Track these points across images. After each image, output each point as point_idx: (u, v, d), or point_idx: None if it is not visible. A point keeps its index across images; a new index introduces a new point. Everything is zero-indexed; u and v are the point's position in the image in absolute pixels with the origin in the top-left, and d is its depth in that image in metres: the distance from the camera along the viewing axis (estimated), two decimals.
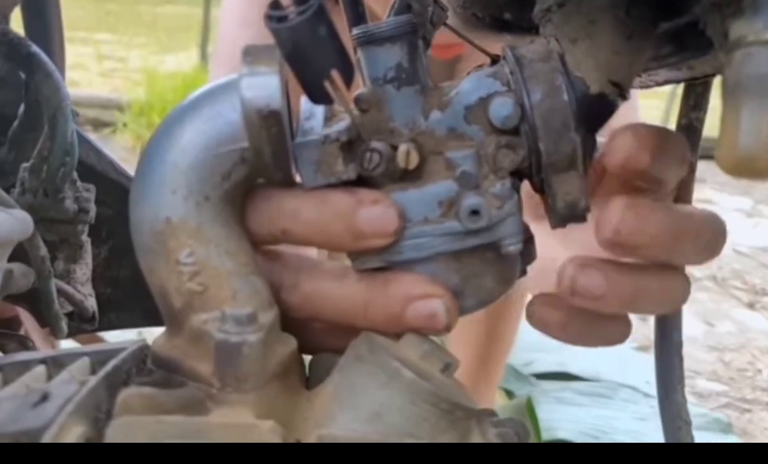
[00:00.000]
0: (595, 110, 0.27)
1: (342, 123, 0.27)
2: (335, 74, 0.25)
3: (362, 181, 0.27)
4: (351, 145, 0.27)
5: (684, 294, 0.29)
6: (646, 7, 0.28)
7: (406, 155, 0.27)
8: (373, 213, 0.26)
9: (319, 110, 0.28)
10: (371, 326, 0.27)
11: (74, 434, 0.22)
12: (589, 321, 0.29)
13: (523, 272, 0.30)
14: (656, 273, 0.28)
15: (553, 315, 0.28)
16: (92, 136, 0.51)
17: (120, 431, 0.22)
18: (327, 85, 0.25)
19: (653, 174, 0.28)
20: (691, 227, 0.28)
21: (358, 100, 0.27)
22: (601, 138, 0.29)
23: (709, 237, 0.28)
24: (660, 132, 0.28)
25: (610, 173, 0.27)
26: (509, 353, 1.11)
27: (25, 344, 0.43)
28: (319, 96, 0.26)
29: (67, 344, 0.59)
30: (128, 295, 0.53)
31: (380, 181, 0.27)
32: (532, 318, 0.29)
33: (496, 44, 0.34)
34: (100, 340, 0.80)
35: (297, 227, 0.27)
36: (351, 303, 0.28)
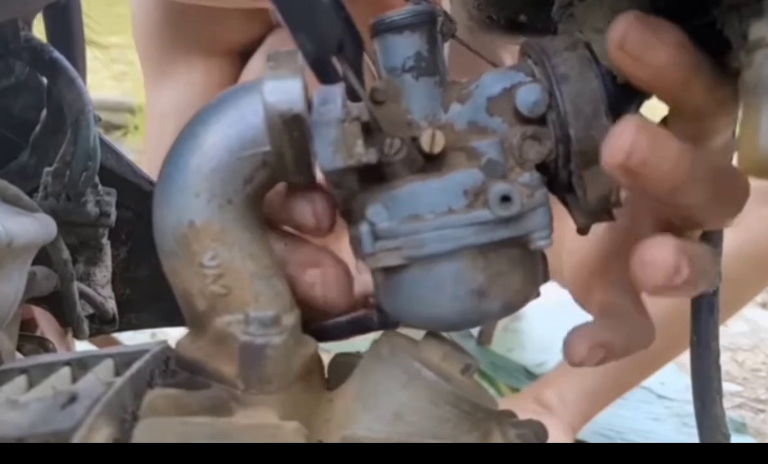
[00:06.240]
0: (622, 100, 0.27)
1: (363, 103, 0.26)
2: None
3: (380, 170, 0.26)
4: (371, 130, 0.26)
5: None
6: (666, 3, 0.28)
7: (431, 138, 0.26)
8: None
9: (337, 96, 0.26)
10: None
11: (102, 435, 0.22)
12: None
13: (546, 277, 0.29)
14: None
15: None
16: (106, 139, 0.51)
17: (147, 432, 0.22)
18: (335, 60, 0.24)
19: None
20: (706, 167, 0.25)
21: (373, 92, 0.27)
22: None
23: (727, 184, 0.26)
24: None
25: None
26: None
27: (44, 345, 0.44)
28: (326, 72, 0.25)
29: (81, 346, 0.59)
30: (146, 296, 0.54)
31: (399, 170, 0.26)
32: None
33: (511, 46, 0.34)
34: (115, 342, 0.80)
35: None
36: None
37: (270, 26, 0.81)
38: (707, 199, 0.26)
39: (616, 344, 0.29)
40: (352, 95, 0.27)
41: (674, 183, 0.25)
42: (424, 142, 0.26)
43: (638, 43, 0.24)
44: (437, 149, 0.26)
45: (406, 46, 0.27)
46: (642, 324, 0.31)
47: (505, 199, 0.25)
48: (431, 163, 0.26)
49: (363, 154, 0.25)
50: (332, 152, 0.25)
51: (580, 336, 0.28)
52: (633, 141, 0.23)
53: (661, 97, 0.26)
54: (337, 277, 0.29)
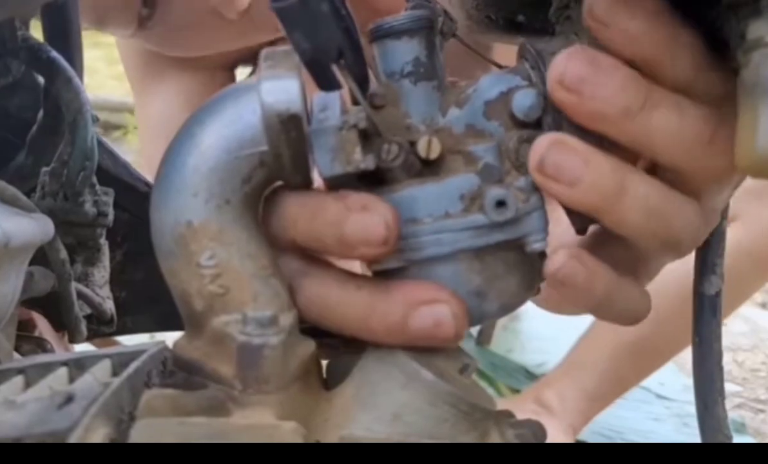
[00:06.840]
0: None
1: (361, 111, 0.26)
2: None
3: (380, 175, 0.27)
4: (369, 135, 0.26)
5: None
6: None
7: (428, 145, 0.26)
8: (360, 222, 0.25)
9: (335, 103, 0.26)
10: (374, 337, 0.26)
11: (99, 435, 0.22)
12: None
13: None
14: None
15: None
16: (103, 139, 0.51)
17: (144, 432, 0.22)
18: (334, 67, 0.25)
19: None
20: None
21: (372, 97, 0.27)
22: None
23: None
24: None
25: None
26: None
27: (42, 346, 0.44)
28: (325, 79, 0.25)
29: (80, 346, 0.59)
30: (142, 299, 0.54)
31: (398, 175, 0.26)
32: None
33: (510, 46, 0.34)
34: (116, 344, 0.80)
35: (298, 237, 0.26)
36: (352, 312, 0.26)
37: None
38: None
39: (599, 274, 0.26)
40: (353, 100, 0.27)
41: (623, 105, 0.24)
42: (421, 149, 0.26)
43: (606, 10, 0.24)
44: (434, 155, 0.26)
45: (405, 51, 0.28)
46: (634, 287, 0.28)
47: (501, 203, 0.25)
48: (429, 167, 0.27)
49: (361, 160, 0.25)
50: (330, 160, 0.25)
51: (565, 250, 0.26)
52: (567, 57, 0.24)
53: (646, 70, 0.26)
54: (461, 307, 0.25)
